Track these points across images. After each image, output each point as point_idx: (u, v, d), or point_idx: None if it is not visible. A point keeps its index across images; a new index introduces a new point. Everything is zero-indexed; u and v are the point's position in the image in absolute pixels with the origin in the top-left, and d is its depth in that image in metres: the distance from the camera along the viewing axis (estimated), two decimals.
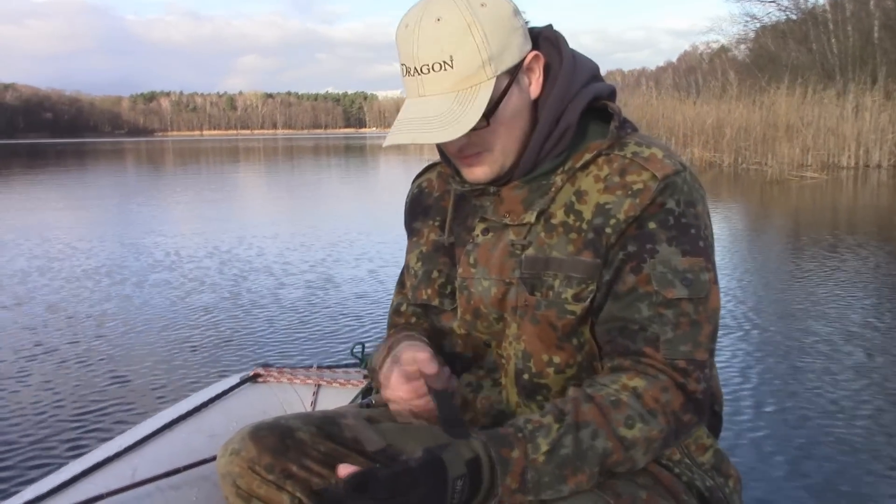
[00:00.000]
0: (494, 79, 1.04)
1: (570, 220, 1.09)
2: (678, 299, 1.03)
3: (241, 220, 9.34)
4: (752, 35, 28.57)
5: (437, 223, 1.26)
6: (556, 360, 1.10)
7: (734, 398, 2.94)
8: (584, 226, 1.07)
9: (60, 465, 1.61)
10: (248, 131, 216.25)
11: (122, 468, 1.54)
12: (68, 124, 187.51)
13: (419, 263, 1.27)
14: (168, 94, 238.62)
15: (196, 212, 10.67)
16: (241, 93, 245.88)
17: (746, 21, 28.88)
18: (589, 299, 1.07)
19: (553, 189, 1.11)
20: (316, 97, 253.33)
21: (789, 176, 14.27)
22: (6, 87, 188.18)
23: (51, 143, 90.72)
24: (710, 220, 1.11)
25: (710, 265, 1.07)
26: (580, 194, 1.09)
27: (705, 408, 1.06)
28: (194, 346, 3.79)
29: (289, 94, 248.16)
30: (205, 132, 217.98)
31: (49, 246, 7.15)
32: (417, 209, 1.33)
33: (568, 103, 1.11)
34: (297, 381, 2.05)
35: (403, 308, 1.35)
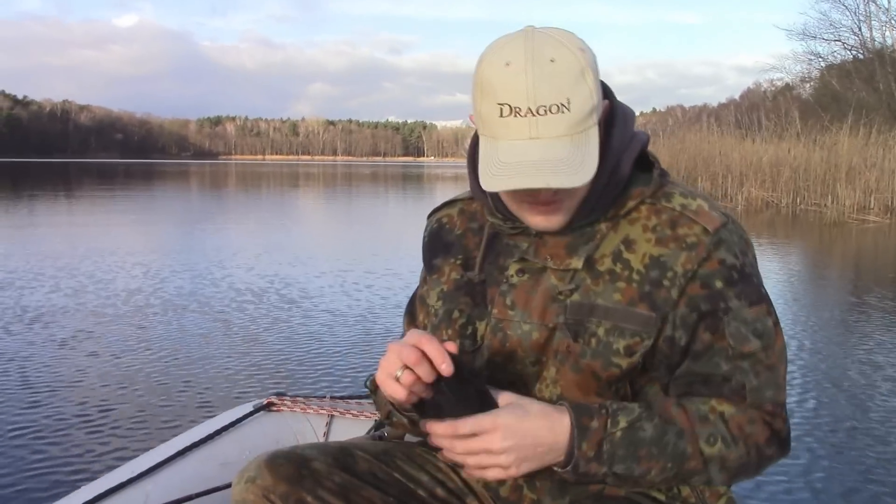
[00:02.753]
0: (597, 126, 1.03)
1: (618, 268, 1.09)
2: (753, 353, 1.08)
3: (294, 250, 9.47)
4: (815, 73, 28.04)
5: (458, 261, 1.23)
6: None
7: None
8: (636, 276, 1.08)
9: (73, 490, 1.61)
10: (308, 157, 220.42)
11: (135, 494, 1.55)
12: (137, 145, 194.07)
13: (440, 302, 1.24)
14: (234, 119, 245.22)
15: (252, 238, 10.86)
16: (303, 119, 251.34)
17: (811, 59, 28.31)
18: (639, 353, 1.07)
19: (598, 235, 1.11)
20: (376, 125, 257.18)
21: (849, 219, 13.85)
22: (81, 108, 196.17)
23: (120, 162, 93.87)
24: (756, 259, 1.16)
25: (770, 307, 1.11)
26: (629, 243, 1.09)
27: (788, 444, 1.12)
28: (225, 372, 3.83)
29: (350, 121, 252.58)
30: (267, 157, 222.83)
31: (101, 264, 7.36)
32: (438, 245, 1.29)
33: (622, 153, 1.11)
34: (311, 411, 2.05)
35: (420, 320, 1.32)
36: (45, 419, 3.06)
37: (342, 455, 1.19)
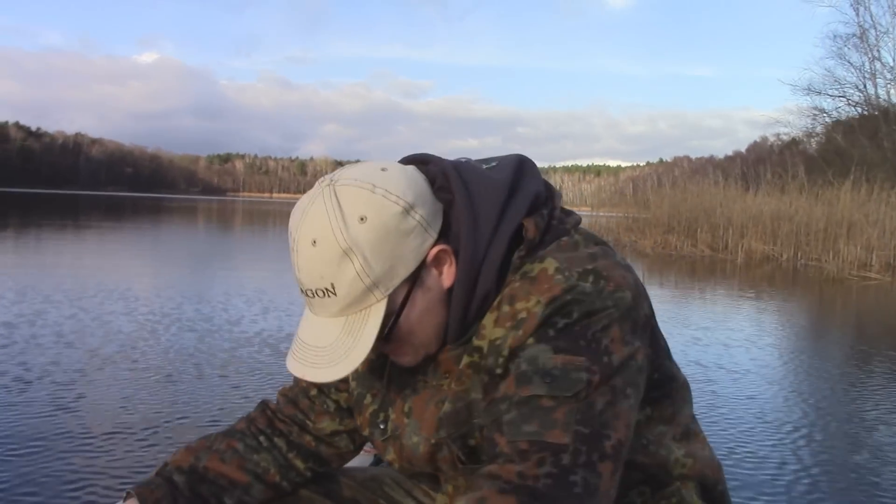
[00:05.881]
0: (386, 299, 0.96)
1: (475, 357, 1.00)
2: (533, 396, 0.91)
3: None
4: (819, 129, 28.15)
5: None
6: None
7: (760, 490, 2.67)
8: (482, 363, 0.99)
9: None
10: None
11: None
12: (147, 179, 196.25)
13: (354, 382, 1.19)
14: (243, 157, 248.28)
15: (254, 276, 10.77)
16: (312, 158, 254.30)
17: (815, 115, 28.45)
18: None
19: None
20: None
21: (850, 275, 13.69)
22: (94, 141, 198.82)
23: (129, 196, 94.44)
24: (632, 327, 0.96)
25: (599, 368, 0.91)
26: (478, 329, 1.00)
27: (566, 500, 0.86)
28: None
29: (358, 161, 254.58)
30: (274, 195, 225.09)
31: (99, 298, 7.25)
32: None
33: (480, 267, 0.98)
34: None
35: (300, 399, 1.26)
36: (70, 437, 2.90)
37: (327, 482, 1.24)
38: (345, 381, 1.20)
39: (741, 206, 17.83)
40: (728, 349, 5.71)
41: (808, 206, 16.59)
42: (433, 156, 1.06)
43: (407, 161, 1.06)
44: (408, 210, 0.94)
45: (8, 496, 2.57)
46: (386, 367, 1.13)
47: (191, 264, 12.03)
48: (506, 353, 0.95)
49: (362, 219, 0.92)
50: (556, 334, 0.92)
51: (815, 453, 3.39)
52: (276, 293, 8.29)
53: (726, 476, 1.21)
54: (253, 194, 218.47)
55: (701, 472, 1.11)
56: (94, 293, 7.66)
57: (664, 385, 1.06)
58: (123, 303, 7.09)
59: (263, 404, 1.29)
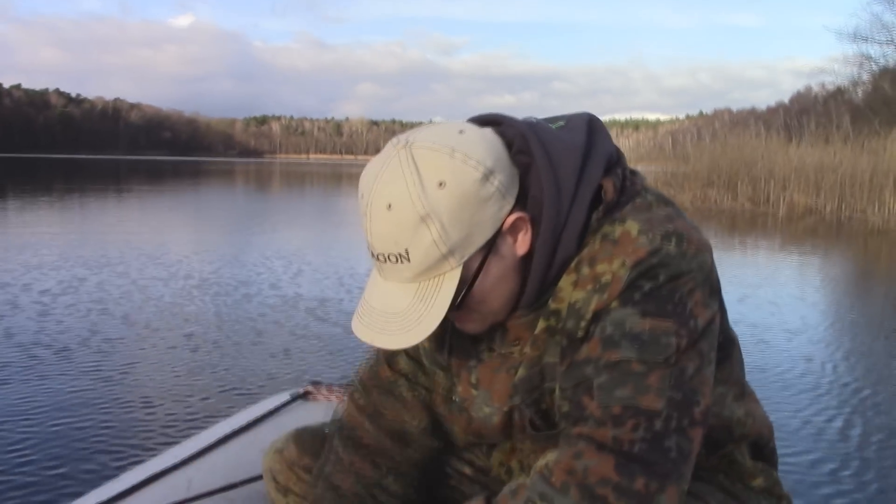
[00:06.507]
0: (461, 266, 0.93)
1: (552, 321, 0.98)
2: (623, 360, 0.89)
3: (340, 244, 9.45)
4: (865, 77, 27.25)
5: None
6: None
7: (824, 459, 2.68)
8: (560, 327, 0.97)
9: (117, 475, 1.66)
10: (352, 156, 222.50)
11: (178, 480, 1.60)
12: (185, 143, 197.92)
13: (425, 360, 1.18)
14: (279, 118, 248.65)
15: (293, 238, 10.88)
16: (347, 119, 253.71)
17: (861, 62, 27.51)
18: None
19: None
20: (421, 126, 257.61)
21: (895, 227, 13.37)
22: (132, 106, 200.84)
23: (168, 160, 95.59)
24: (710, 290, 0.95)
25: (686, 332, 0.90)
26: (555, 293, 0.97)
27: (662, 465, 0.87)
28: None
29: (394, 121, 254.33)
30: (311, 155, 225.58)
31: (152, 260, 7.42)
32: None
33: (561, 233, 0.95)
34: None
35: (400, 361, 1.22)
36: (87, 408, 3.03)
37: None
38: (418, 356, 1.19)
39: (783, 157, 17.43)
40: (777, 307, 5.63)
41: (852, 157, 16.14)
42: (505, 116, 1.03)
43: (479, 122, 1.02)
44: (487, 176, 0.91)
45: (45, 467, 2.67)
46: (447, 338, 1.11)
47: (234, 228, 12.19)
48: (588, 315, 0.93)
49: (441, 184, 0.89)
50: (643, 298, 0.90)
51: (879, 414, 3.33)
52: (317, 256, 8.36)
53: (779, 436, 1.22)
54: (290, 156, 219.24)
55: (759, 432, 1.11)
56: (138, 258, 7.81)
57: (726, 347, 1.05)
58: (166, 268, 7.22)
59: (349, 436, 1.21)
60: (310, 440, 1.26)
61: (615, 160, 1.01)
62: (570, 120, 1.04)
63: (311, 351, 4.14)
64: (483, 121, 1.02)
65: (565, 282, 0.96)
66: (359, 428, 1.20)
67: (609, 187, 0.97)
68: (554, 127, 1.02)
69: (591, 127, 1.02)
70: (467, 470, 1.25)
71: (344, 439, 1.20)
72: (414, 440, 1.19)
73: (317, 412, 1.97)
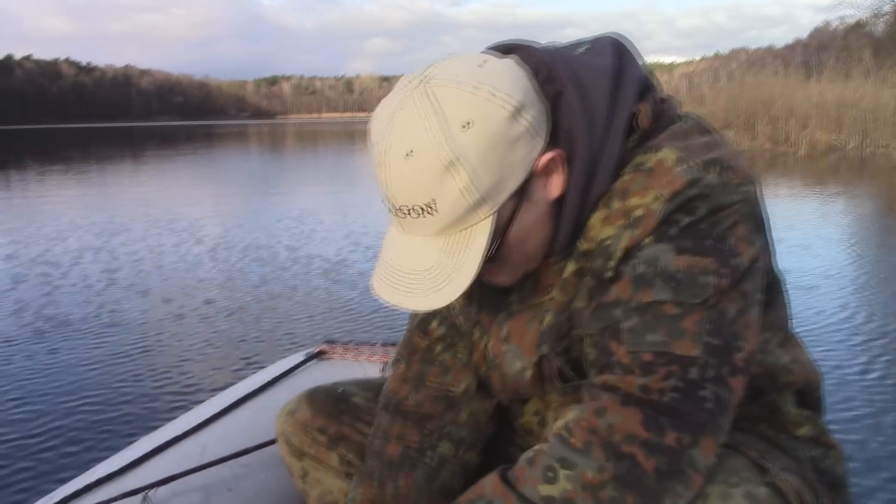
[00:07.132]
0: (493, 215, 0.84)
1: (582, 263, 0.90)
2: (655, 302, 0.81)
3: (356, 203, 9.43)
4: (887, 8, 26.48)
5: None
6: None
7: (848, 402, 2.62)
8: (589, 267, 0.89)
9: (131, 442, 1.64)
10: (364, 113, 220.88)
11: (192, 446, 1.58)
12: (197, 108, 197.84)
13: (460, 316, 1.10)
14: (289, 78, 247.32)
15: (316, 190, 10.87)
16: (358, 76, 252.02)
17: None
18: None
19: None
20: None
21: None
22: (142, 72, 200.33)
23: (181, 125, 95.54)
24: (756, 225, 0.86)
25: (728, 271, 0.82)
26: (586, 230, 0.89)
27: (696, 415, 0.80)
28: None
29: (404, 76, 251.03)
30: (323, 114, 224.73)
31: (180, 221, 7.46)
32: None
33: (595, 168, 0.87)
34: (363, 358, 2.01)
35: (433, 326, 1.14)
36: (101, 375, 3.06)
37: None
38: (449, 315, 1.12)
39: (803, 94, 17.06)
40: (806, 250, 5.52)
41: (874, 91, 15.79)
42: (523, 43, 0.93)
43: (499, 51, 0.93)
44: (516, 112, 0.82)
45: (63, 441, 2.70)
46: (475, 293, 1.03)
47: (250, 191, 12.19)
48: (619, 254, 0.84)
49: (466, 125, 0.80)
50: (679, 233, 0.82)
51: None
52: (334, 217, 8.35)
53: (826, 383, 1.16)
54: (302, 115, 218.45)
55: (806, 378, 1.02)
56: (156, 225, 7.84)
57: (772, 288, 0.96)
58: (187, 234, 7.24)
59: (393, 406, 1.14)
60: (323, 400, 1.20)
61: (647, 84, 0.93)
62: (595, 43, 0.95)
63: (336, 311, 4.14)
64: (503, 49, 0.94)
65: (596, 218, 0.87)
66: (402, 398, 1.13)
67: (645, 113, 0.88)
68: (578, 52, 0.94)
69: (618, 49, 0.93)
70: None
71: (389, 411, 1.13)
72: (458, 403, 1.11)
73: (332, 372, 1.93)
